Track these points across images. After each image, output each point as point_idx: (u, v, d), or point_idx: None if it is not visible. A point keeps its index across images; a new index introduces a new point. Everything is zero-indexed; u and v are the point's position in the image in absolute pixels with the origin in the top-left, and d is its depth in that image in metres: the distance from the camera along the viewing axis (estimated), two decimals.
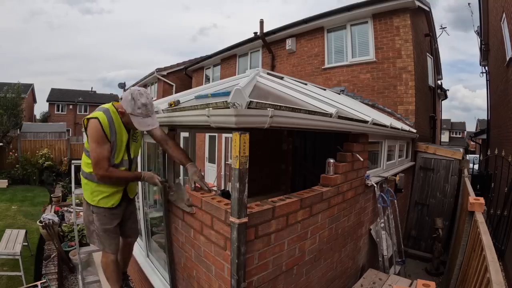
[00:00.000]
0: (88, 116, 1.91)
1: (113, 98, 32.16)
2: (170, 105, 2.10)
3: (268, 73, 3.32)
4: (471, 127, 38.88)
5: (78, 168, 2.27)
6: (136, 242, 3.67)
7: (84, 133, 1.99)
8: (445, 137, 36.86)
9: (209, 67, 11.50)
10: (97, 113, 1.91)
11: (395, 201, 3.89)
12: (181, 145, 2.77)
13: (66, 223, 6.08)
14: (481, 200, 3.12)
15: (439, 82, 10.76)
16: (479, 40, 9.92)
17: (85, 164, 2.01)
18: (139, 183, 3.25)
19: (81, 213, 4.96)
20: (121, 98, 1.98)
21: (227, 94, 1.56)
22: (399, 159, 4.81)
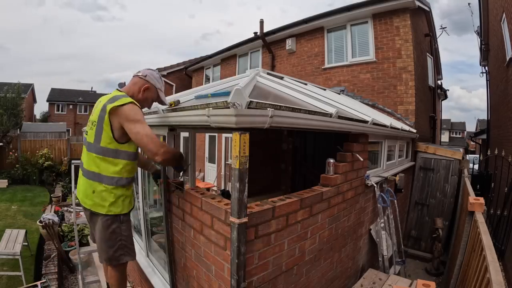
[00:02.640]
0: (117, 104, 1.68)
1: None
2: (170, 105, 2.10)
3: (268, 73, 3.32)
4: (471, 127, 38.93)
5: (78, 168, 2.22)
6: (136, 242, 3.69)
7: (100, 125, 1.73)
8: (445, 137, 36.87)
9: (209, 67, 11.51)
10: (129, 99, 1.74)
11: (395, 201, 3.89)
12: (181, 145, 2.77)
13: (66, 223, 6.08)
14: (481, 200, 3.12)
15: (439, 82, 10.76)
16: (479, 40, 9.92)
17: (106, 167, 1.76)
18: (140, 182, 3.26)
19: (81, 213, 4.95)
20: (143, 76, 1.91)
21: (227, 94, 1.56)
22: (399, 159, 4.81)
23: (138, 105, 1.79)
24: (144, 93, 1.91)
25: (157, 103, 2.08)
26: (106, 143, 1.74)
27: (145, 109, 2.41)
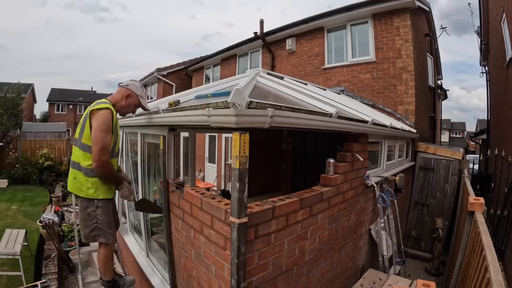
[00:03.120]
0: (96, 107, 1.99)
1: None
2: (170, 105, 2.10)
3: (268, 73, 3.32)
4: (471, 127, 38.93)
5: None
6: (136, 242, 3.69)
7: (83, 124, 2.03)
8: (445, 137, 36.85)
9: (209, 67, 11.50)
10: (107, 105, 2.03)
11: (395, 201, 3.89)
12: (181, 145, 2.77)
13: (66, 223, 6.08)
14: (481, 200, 3.12)
15: (439, 82, 10.75)
16: (479, 40, 9.92)
17: (83, 160, 2.04)
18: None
19: None
20: (126, 86, 2.22)
21: (227, 94, 1.57)
22: (399, 159, 4.81)
23: (114, 112, 2.07)
24: (127, 99, 2.19)
25: (141, 108, 2.34)
26: (85, 140, 2.01)
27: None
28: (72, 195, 2.25)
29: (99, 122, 1.95)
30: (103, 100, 2.11)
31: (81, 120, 2.10)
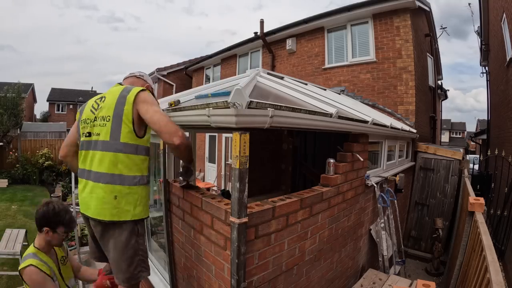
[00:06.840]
0: (136, 90, 1.60)
1: None
2: (170, 105, 2.09)
3: (268, 73, 3.32)
4: (471, 128, 38.94)
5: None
6: None
7: (118, 120, 1.55)
8: (445, 137, 36.84)
9: (209, 67, 11.51)
10: (140, 87, 1.68)
11: (395, 201, 3.89)
12: None
13: None
14: (481, 200, 3.12)
15: (439, 82, 10.75)
16: (479, 40, 9.92)
17: (127, 166, 1.55)
18: None
19: None
20: (141, 76, 1.92)
21: (227, 94, 1.56)
22: (399, 159, 4.81)
23: None
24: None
25: None
26: (127, 138, 1.55)
27: None
28: (103, 224, 1.57)
29: (152, 101, 1.58)
30: (128, 86, 1.71)
31: (107, 115, 1.57)
